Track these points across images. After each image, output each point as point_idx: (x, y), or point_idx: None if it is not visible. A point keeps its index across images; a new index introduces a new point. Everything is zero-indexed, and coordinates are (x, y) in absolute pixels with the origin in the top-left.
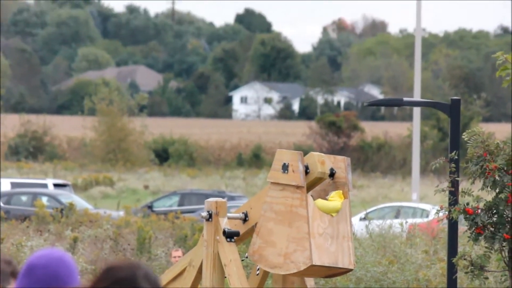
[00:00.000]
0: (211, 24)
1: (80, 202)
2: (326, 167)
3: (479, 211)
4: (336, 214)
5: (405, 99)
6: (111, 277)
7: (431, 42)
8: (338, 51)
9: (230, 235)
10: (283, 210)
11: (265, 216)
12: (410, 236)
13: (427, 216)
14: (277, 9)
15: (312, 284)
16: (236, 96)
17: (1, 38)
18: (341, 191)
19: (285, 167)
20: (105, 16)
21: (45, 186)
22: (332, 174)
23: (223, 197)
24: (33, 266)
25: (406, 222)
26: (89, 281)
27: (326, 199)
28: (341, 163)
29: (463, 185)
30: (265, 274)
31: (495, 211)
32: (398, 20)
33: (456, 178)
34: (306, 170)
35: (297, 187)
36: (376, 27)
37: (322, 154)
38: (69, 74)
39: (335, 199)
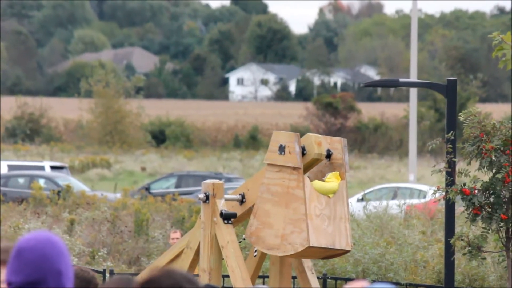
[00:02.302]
0: (207, 6)
1: (77, 184)
2: (322, 148)
3: (476, 191)
4: (333, 195)
5: (401, 79)
6: None
7: (427, 23)
8: (334, 32)
9: (227, 217)
10: (280, 191)
11: (262, 198)
12: (408, 217)
13: (424, 197)
14: None
15: (310, 265)
16: (233, 77)
17: None
18: (337, 172)
19: (281, 149)
20: None
21: (42, 168)
22: (328, 155)
23: (220, 179)
24: (21, 250)
25: (404, 203)
26: None
27: (323, 181)
28: (337, 144)
29: (460, 165)
30: (263, 255)
31: (492, 191)
32: (394, 1)
33: (453, 159)
34: (303, 152)
35: (294, 168)
36: (372, 8)
37: (319, 135)
38: (65, 56)
39: (331, 180)
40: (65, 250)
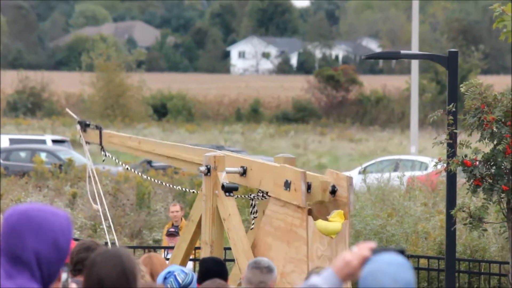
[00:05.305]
0: None
1: (78, 158)
2: (327, 195)
3: (477, 163)
4: (336, 236)
5: (402, 52)
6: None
7: None
8: (335, 5)
9: (228, 190)
10: (283, 227)
11: (264, 230)
12: (409, 189)
13: (426, 169)
14: None
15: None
16: (234, 51)
17: None
18: (342, 211)
19: (287, 184)
20: None
21: (43, 142)
22: (333, 191)
23: None
24: (4, 217)
25: (403, 175)
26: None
27: (327, 218)
28: (343, 182)
29: (461, 137)
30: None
31: (493, 162)
32: None
33: (454, 131)
34: (308, 189)
35: (298, 207)
36: None
37: (326, 178)
38: (66, 30)
39: (335, 220)
40: (44, 227)
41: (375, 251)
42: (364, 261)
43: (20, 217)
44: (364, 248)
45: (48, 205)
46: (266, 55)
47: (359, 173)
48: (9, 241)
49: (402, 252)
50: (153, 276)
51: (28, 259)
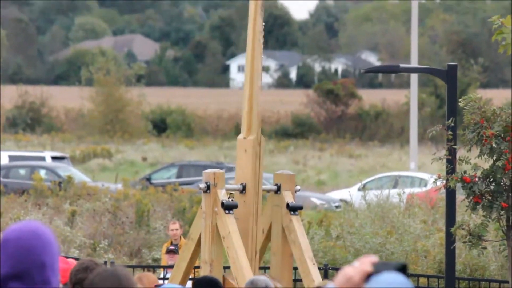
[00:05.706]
0: None
1: (78, 175)
2: None
3: (477, 179)
4: None
5: (402, 65)
6: None
7: (427, 7)
8: (335, 18)
9: (228, 207)
10: None
11: None
12: (409, 206)
13: (425, 185)
14: None
15: (311, 256)
16: (234, 64)
17: None
18: None
19: None
20: None
21: (43, 159)
22: None
23: (221, 168)
24: (6, 240)
25: (403, 192)
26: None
27: None
28: None
29: (461, 152)
30: (263, 246)
31: (492, 179)
32: None
33: (453, 146)
34: None
35: None
36: None
37: None
38: (66, 44)
39: None
40: (52, 242)
41: (376, 266)
42: (366, 276)
43: (32, 236)
44: (365, 262)
45: (33, 220)
46: (265, 69)
47: (359, 189)
48: (22, 261)
49: (404, 266)
50: None
51: (44, 277)
